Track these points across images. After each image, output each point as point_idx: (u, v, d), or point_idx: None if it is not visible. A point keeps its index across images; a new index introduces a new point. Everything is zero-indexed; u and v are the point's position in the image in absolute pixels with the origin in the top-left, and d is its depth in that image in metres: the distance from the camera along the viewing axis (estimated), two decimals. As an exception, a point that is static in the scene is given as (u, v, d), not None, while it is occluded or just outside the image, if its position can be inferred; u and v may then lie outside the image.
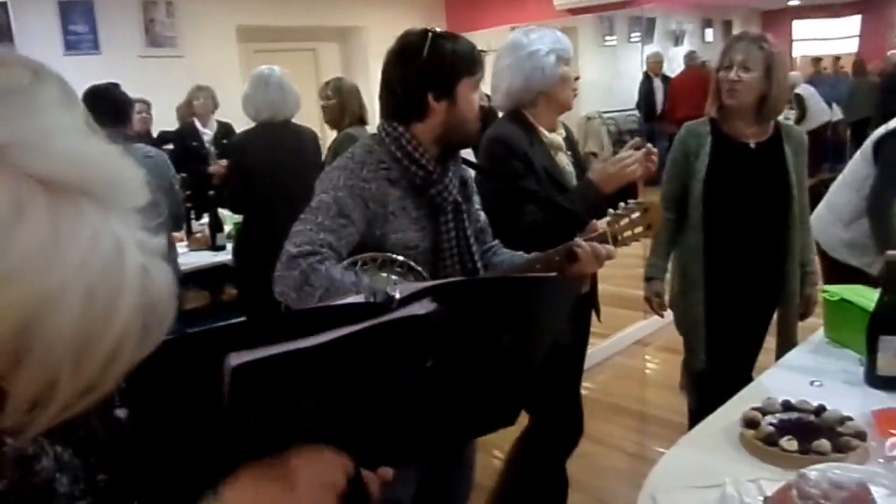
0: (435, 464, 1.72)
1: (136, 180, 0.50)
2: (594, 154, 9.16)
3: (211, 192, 3.98)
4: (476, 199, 1.73)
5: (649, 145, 1.98)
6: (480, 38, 7.50)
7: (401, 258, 1.48)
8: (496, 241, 1.77)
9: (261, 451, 0.72)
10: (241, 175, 3.28)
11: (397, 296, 0.76)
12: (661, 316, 2.50)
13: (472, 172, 1.73)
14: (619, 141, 9.43)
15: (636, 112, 9.12)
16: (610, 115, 9.12)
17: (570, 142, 2.25)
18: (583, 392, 3.50)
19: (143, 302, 0.50)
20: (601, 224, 1.62)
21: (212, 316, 3.86)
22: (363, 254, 1.46)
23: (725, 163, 2.25)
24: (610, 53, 9.14)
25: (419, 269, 1.48)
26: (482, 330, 0.85)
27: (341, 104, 3.39)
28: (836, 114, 8.72)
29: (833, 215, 2.78)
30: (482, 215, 1.75)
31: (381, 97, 1.58)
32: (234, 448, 0.72)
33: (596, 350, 3.96)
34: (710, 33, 9.88)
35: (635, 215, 1.64)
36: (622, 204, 1.66)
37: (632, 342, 4.21)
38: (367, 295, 1.20)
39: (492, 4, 7.36)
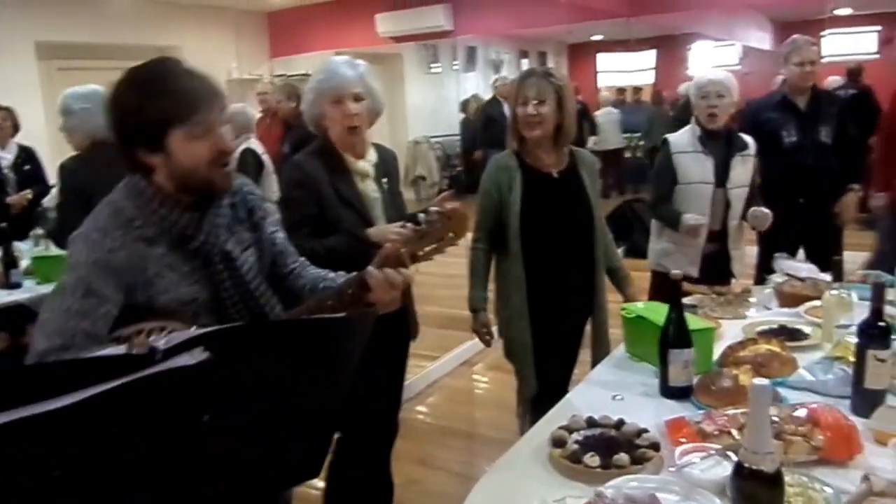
0: None
1: None
2: (423, 178, 9.35)
3: (3, 225, 3.55)
4: (269, 221, 1.61)
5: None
6: (304, 63, 7.42)
7: (175, 323, 1.31)
8: (300, 260, 1.67)
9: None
10: (80, 208, 2.80)
11: (161, 346, 0.68)
12: (489, 345, 2.57)
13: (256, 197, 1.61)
14: (446, 165, 9.72)
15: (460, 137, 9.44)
16: (437, 139, 9.37)
17: (386, 168, 2.26)
18: (413, 417, 3.52)
19: None
20: (388, 245, 1.49)
21: (14, 360, 3.42)
22: (127, 328, 1.30)
23: (536, 194, 2.36)
24: (435, 80, 9.41)
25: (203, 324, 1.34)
26: (267, 376, 0.79)
27: None
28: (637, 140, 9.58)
29: (652, 235, 3.08)
30: (279, 237, 1.63)
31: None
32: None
33: (424, 373, 3.99)
34: (525, 63, 10.51)
35: (438, 226, 1.50)
36: (421, 215, 1.53)
37: (459, 363, 4.27)
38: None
39: (317, 29, 7.30)
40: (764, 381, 1.11)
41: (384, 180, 2.22)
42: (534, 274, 2.36)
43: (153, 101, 1.30)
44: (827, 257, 2.80)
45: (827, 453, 1.38)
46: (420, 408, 3.70)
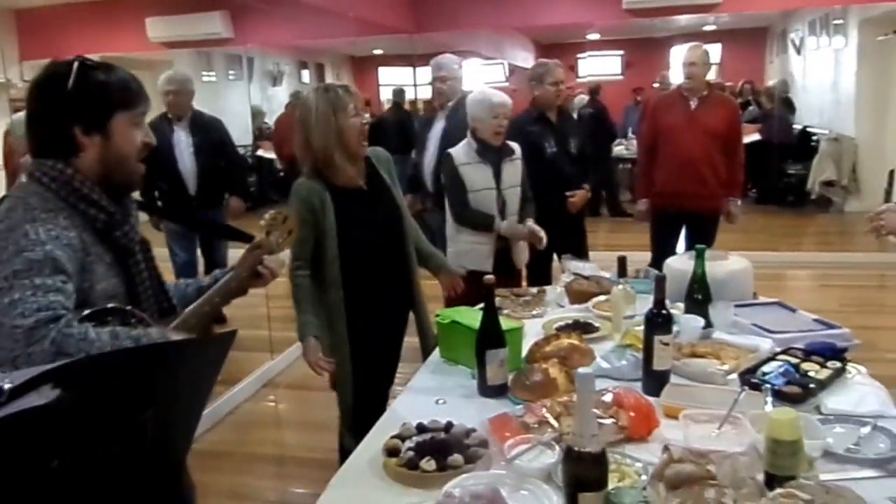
0: None
1: None
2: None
3: None
4: None
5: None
6: (62, 66, 6.69)
7: (127, 307, 1.32)
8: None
9: None
10: None
11: (6, 386, 0.59)
12: (329, 372, 2.30)
13: None
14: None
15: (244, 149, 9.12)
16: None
17: None
18: (217, 448, 3.30)
19: None
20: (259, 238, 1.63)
21: None
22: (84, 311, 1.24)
23: (349, 214, 2.28)
24: (211, 90, 8.99)
25: (145, 316, 1.32)
26: (118, 411, 0.72)
27: None
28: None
29: (448, 240, 3.25)
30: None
31: (28, 135, 1.39)
32: None
33: (223, 400, 3.75)
34: (305, 74, 10.44)
35: (282, 225, 1.67)
36: (266, 215, 1.66)
37: (260, 385, 4.10)
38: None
39: (77, 31, 6.62)
40: (588, 370, 1.22)
41: None
42: (356, 298, 2.30)
43: (110, 83, 1.36)
44: (575, 249, 3.44)
45: (631, 431, 1.55)
46: (223, 437, 3.49)
